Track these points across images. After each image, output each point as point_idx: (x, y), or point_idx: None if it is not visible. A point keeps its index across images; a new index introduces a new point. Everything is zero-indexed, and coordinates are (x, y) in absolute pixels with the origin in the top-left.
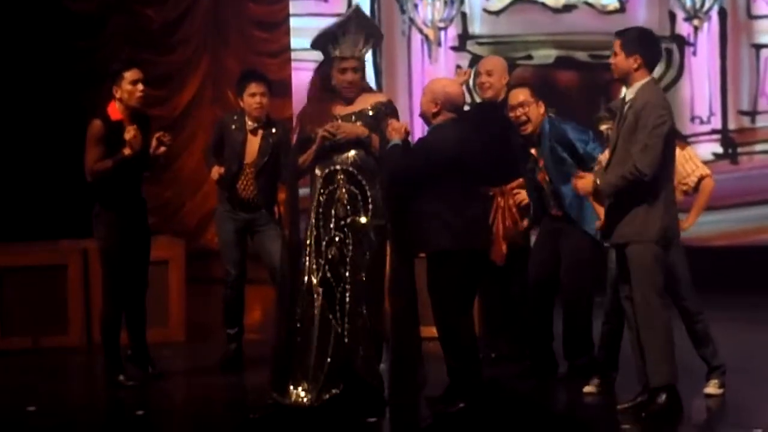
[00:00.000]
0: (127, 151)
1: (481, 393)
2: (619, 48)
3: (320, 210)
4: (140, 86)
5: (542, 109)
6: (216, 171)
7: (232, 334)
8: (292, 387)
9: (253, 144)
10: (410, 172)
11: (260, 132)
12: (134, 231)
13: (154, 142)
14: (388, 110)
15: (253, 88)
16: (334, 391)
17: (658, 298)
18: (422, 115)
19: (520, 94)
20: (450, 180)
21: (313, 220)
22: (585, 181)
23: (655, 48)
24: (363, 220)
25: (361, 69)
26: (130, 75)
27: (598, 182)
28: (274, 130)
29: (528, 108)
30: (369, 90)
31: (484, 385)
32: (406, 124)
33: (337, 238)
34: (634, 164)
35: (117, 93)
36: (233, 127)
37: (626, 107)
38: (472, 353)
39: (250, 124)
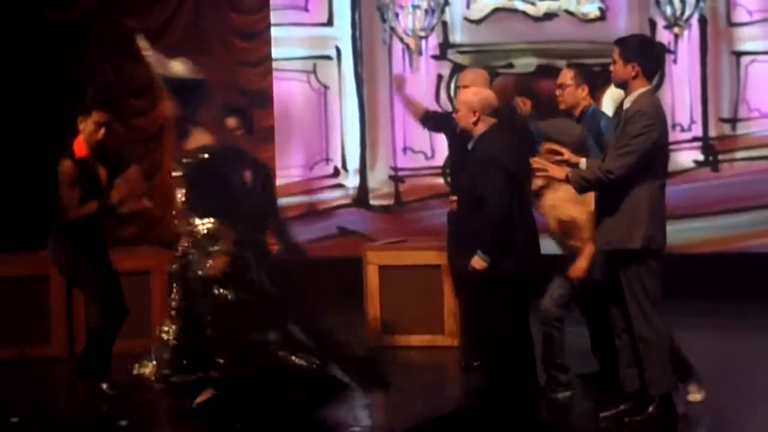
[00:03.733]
0: (115, 200)
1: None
2: (618, 56)
3: None
4: (102, 131)
5: (585, 92)
6: None
7: None
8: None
9: None
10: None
11: None
12: (88, 247)
13: (123, 190)
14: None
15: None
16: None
17: (651, 308)
18: (462, 131)
19: (565, 75)
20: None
21: None
22: (559, 168)
23: (655, 56)
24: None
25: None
26: (96, 116)
27: (569, 174)
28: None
29: (565, 89)
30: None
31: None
32: None
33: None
34: (606, 164)
35: (81, 125)
36: None
37: (623, 115)
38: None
39: None
